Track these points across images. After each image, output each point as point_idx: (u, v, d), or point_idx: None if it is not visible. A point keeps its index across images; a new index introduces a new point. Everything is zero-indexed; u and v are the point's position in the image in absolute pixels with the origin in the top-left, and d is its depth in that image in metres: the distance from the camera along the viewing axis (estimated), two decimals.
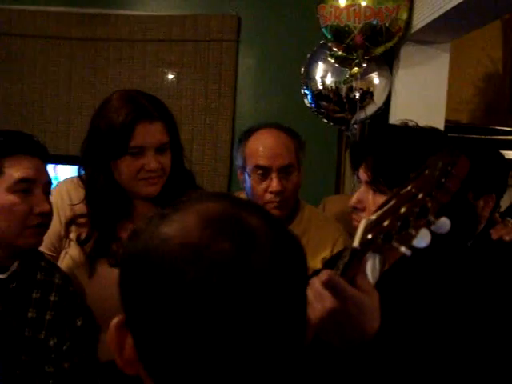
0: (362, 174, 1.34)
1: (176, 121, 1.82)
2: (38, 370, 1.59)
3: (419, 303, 1.19)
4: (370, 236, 0.90)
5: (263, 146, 1.96)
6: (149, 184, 1.76)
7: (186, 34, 3.40)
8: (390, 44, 2.43)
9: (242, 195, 2.18)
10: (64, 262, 1.81)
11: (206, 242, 0.66)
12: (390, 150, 1.31)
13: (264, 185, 1.95)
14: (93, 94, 3.42)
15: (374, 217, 0.92)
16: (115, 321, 0.71)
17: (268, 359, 0.67)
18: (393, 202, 0.90)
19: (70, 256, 1.80)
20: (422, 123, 1.40)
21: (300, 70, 2.74)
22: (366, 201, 1.32)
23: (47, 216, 1.56)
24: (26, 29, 3.44)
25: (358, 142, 1.48)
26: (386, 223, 0.87)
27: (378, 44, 2.38)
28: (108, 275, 1.76)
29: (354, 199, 1.34)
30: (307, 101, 2.62)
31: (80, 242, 1.78)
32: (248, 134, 2.03)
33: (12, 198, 1.49)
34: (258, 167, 1.95)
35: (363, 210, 1.33)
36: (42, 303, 1.60)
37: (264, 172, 1.94)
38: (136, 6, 3.44)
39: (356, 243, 0.92)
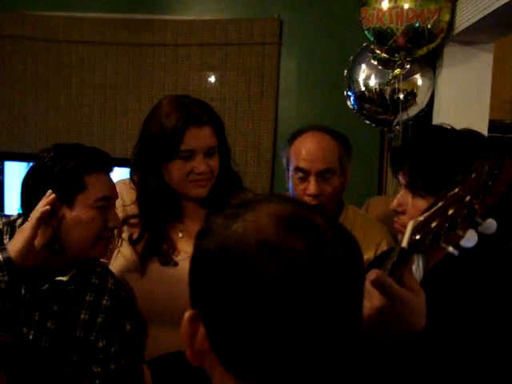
0: (401, 178, 1.37)
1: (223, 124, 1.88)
2: (86, 369, 1.65)
3: (464, 302, 1.21)
4: (418, 236, 0.93)
5: (305, 149, 2.00)
6: (198, 186, 1.82)
7: (228, 38, 3.45)
8: (432, 45, 2.43)
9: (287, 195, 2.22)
10: (116, 261, 1.87)
11: (281, 240, 0.71)
12: (426, 154, 1.33)
13: (303, 186, 1.99)
14: (138, 97, 3.51)
15: (421, 218, 0.95)
16: (188, 314, 0.76)
17: (336, 351, 0.72)
18: (440, 203, 0.92)
19: (121, 255, 1.87)
20: (466, 123, 1.41)
21: (342, 71, 2.75)
22: (406, 204, 1.34)
23: (117, 229, 1.66)
24: (74, 35, 3.54)
25: (397, 147, 1.48)
26: (433, 224, 0.90)
27: (421, 46, 2.39)
28: (158, 273, 1.83)
29: (394, 203, 1.37)
30: (350, 103, 2.63)
31: (132, 242, 1.84)
32: (295, 135, 2.07)
33: (93, 213, 1.57)
34: (298, 169, 1.99)
35: (403, 213, 1.35)
36: (95, 306, 1.67)
37: (303, 174, 1.98)
38: (180, 11, 3.51)
39: (404, 243, 0.94)
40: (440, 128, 1.41)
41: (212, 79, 3.49)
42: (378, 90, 2.52)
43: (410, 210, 1.33)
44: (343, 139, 2.04)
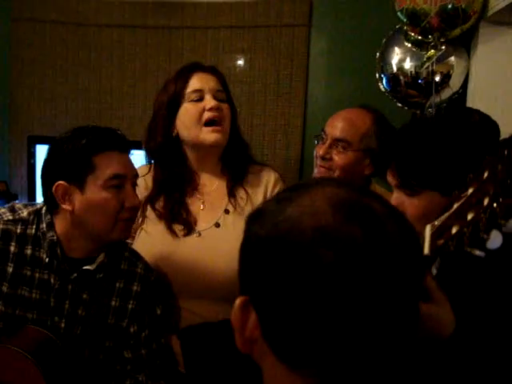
0: (391, 179, 1.34)
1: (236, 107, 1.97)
2: (118, 354, 1.67)
3: (484, 301, 1.18)
4: (440, 242, 0.90)
5: (333, 116, 2.06)
6: (213, 131, 1.85)
7: (257, 20, 3.42)
8: (466, 26, 2.38)
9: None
10: (140, 239, 1.90)
11: (338, 226, 0.69)
12: (411, 150, 1.31)
13: (318, 149, 2.05)
14: None
15: (437, 223, 0.93)
16: (238, 301, 0.75)
17: (391, 343, 0.70)
18: (456, 206, 0.90)
19: (145, 232, 1.89)
20: (500, 106, 1.38)
21: (372, 54, 2.71)
22: (403, 205, 1.31)
23: (136, 210, 1.63)
24: (103, 19, 3.54)
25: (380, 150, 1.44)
26: (454, 230, 0.88)
27: (455, 26, 2.34)
28: (183, 245, 1.87)
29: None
30: (382, 85, 2.59)
31: (157, 215, 1.89)
32: None
33: (105, 195, 1.54)
34: (322, 131, 2.04)
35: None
36: (125, 293, 1.67)
37: (323, 139, 2.03)
38: None
39: (426, 250, 0.92)
40: (421, 120, 1.39)
41: (241, 62, 3.47)
42: (411, 72, 2.48)
43: (408, 209, 1.29)
44: (381, 123, 2.03)
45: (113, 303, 1.66)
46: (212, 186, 1.95)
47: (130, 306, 1.67)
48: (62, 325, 1.61)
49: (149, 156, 1.97)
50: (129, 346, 1.67)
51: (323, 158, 1.98)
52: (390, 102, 2.71)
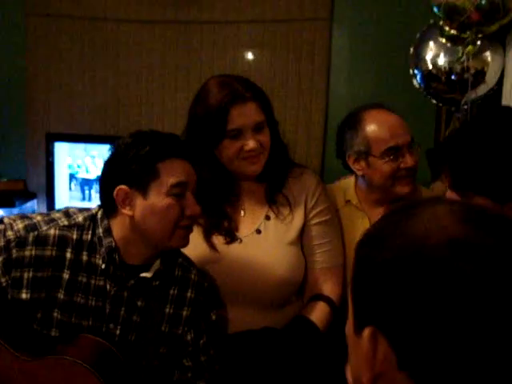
0: (444, 180, 1.33)
1: (269, 98, 1.88)
2: (177, 362, 1.65)
3: None
4: None
5: (387, 127, 1.97)
6: (251, 163, 1.83)
7: (278, 14, 3.37)
8: (504, 21, 2.34)
9: (348, 180, 2.18)
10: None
11: (471, 238, 0.66)
12: (466, 153, 1.29)
13: (395, 165, 1.96)
14: (186, 76, 3.45)
15: None
16: (366, 333, 0.71)
17: None
18: None
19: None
20: None
21: (397, 48, 2.68)
22: None
23: (196, 218, 1.60)
24: (121, 13, 3.48)
25: (433, 149, 1.44)
26: None
27: (493, 21, 2.30)
28: (224, 252, 1.85)
29: None
30: (416, 81, 2.56)
31: (197, 225, 1.82)
32: (358, 121, 2.02)
33: (168, 202, 1.52)
34: (389, 150, 1.96)
35: None
36: (179, 300, 1.65)
37: (395, 151, 1.96)
38: None
39: None
40: (474, 124, 1.37)
41: (261, 56, 3.42)
42: (446, 68, 2.44)
43: None
44: None
45: (167, 310, 1.63)
46: (252, 192, 1.93)
47: (184, 313, 1.64)
48: (117, 332, 1.58)
49: None
50: (187, 353, 1.64)
51: (410, 169, 1.94)
52: (411, 97, 2.69)
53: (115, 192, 1.52)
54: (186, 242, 1.60)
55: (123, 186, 1.51)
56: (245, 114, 1.77)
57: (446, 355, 0.65)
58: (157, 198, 1.51)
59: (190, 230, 1.60)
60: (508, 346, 0.64)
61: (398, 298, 0.68)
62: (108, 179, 1.56)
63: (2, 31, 3.57)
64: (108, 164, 1.58)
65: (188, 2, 3.42)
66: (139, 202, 1.52)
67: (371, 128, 1.97)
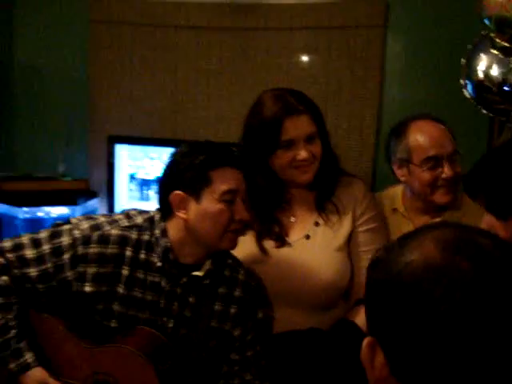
0: (480, 202, 1.34)
1: (321, 111, 1.97)
2: (225, 356, 1.75)
3: None
4: None
5: (429, 137, 2.04)
6: (303, 172, 1.92)
7: (333, 21, 3.41)
8: None
9: (396, 189, 2.23)
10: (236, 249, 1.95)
11: (446, 262, 0.74)
12: (498, 177, 1.31)
13: (434, 174, 2.03)
14: (242, 82, 3.53)
15: None
16: (365, 342, 0.81)
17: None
18: None
19: (240, 241, 1.94)
20: None
21: (451, 56, 2.69)
22: (493, 227, 1.30)
23: (245, 223, 1.71)
24: (180, 20, 3.60)
25: (471, 172, 1.46)
26: None
27: None
28: (274, 256, 1.94)
29: (483, 226, 1.33)
30: (467, 91, 2.58)
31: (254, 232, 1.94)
32: (403, 130, 2.09)
33: (220, 207, 1.65)
34: (428, 159, 2.02)
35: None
36: (228, 298, 1.76)
37: (434, 162, 2.02)
38: None
39: None
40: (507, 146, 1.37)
41: (316, 63, 3.48)
42: (497, 79, 2.46)
43: (500, 232, 1.27)
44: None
45: (216, 307, 1.74)
46: (302, 199, 2.01)
47: (232, 311, 1.75)
48: (170, 325, 1.70)
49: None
50: (235, 348, 1.75)
51: (449, 179, 1.99)
52: (465, 107, 2.70)
53: (171, 196, 1.66)
54: (234, 245, 1.72)
55: (178, 192, 1.65)
56: (297, 126, 1.87)
57: (425, 364, 0.74)
58: (209, 204, 1.64)
59: (240, 234, 1.72)
60: (470, 358, 0.71)
61: (384, 316, 0.78)
62: (165, 185, 1.70)
63: (67, 37, 3.75)
64: (166, 171, 1.72)
65: (245, 9, 3.51)
66: (193, 207, 1.65)
67: (414, 137, 2.04)
